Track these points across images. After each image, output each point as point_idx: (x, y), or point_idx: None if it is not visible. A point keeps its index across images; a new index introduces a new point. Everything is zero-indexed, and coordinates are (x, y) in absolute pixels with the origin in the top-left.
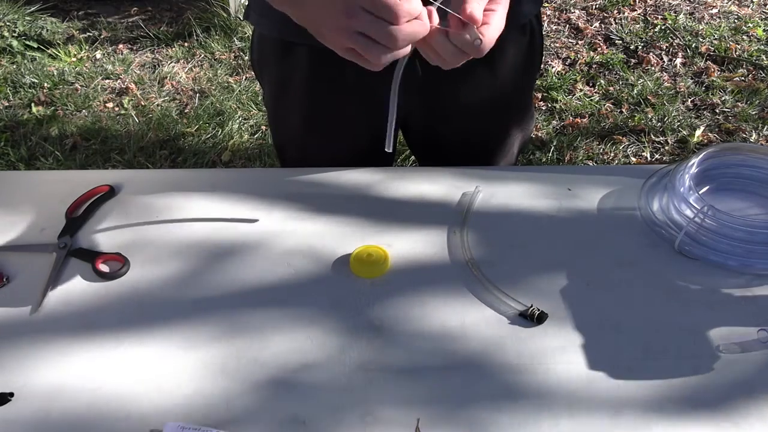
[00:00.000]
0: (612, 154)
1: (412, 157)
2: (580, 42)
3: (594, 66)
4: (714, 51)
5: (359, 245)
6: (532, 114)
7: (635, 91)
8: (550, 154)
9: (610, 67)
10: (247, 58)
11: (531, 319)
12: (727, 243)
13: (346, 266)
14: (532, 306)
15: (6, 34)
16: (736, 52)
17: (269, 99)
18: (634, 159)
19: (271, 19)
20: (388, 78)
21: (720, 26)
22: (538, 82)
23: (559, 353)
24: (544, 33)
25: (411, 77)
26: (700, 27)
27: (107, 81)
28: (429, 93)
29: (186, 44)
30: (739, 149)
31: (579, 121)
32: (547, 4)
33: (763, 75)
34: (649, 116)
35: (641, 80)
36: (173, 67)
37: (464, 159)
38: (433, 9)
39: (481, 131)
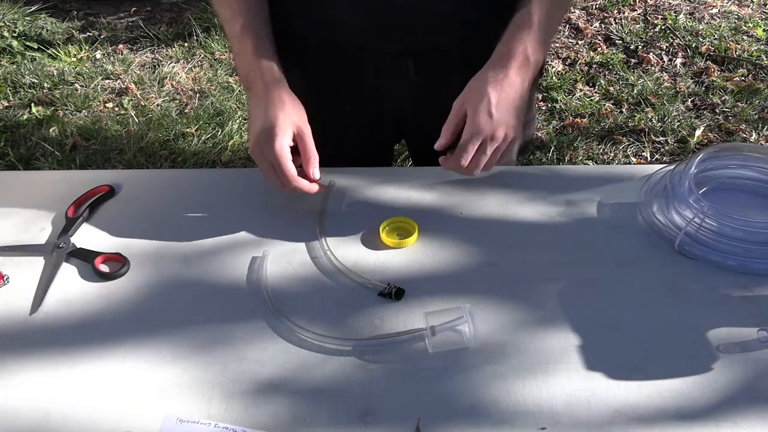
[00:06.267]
0: (612, 154)
1: None
2: (580, 42)
3: (594, 66)
4: (714, 51)
5: (359, 245)
6: (533, 116)
7: (635, 91)
8: (550, 154)
9: (610, 67)
10: None
11: (390, 296)
12: (726, 243)
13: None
14: (389, 284)
15: (6, 34)
16: (736, 52)
17: None
18: (634, 159)
19: None
20: (383, 88)
21: (720, 26)
22: None
23: (559, 353)
24: None
25: (404, 77)
26: (700, 27)
27: (107, 81)
28: (423, 93)
29: (186, 44)
30: (739, 149)
31: (579, 121)
32: None
33: (763, 75)
34: (649, 116)
35: (641, 80)
36: (173, 67)
37: None
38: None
39: None
